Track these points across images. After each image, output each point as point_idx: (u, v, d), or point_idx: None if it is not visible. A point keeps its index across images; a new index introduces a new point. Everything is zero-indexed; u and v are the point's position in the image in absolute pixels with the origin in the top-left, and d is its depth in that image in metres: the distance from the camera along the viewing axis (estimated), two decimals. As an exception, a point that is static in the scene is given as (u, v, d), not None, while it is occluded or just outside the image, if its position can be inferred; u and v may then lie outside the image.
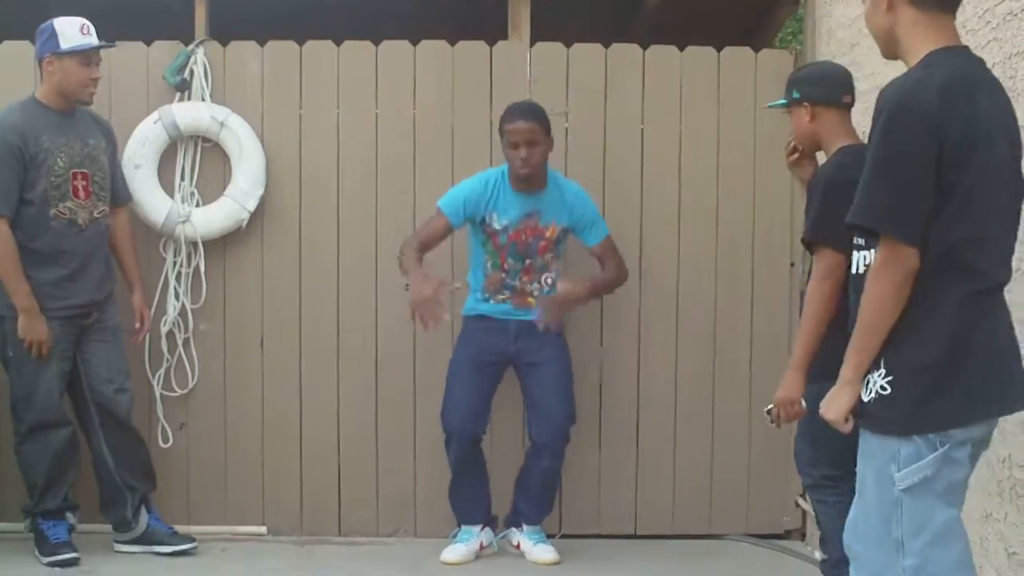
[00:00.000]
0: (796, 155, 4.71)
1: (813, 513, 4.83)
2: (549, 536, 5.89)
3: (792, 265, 6.07)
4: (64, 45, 5.42)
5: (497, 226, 5.61)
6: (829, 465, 4.19)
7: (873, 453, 3.02)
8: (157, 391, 6.06)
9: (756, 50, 6.19)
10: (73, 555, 5.53)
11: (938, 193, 2.92)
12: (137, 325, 5.84)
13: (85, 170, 5.53)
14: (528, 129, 5.48)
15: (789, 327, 6.06)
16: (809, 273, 4.35)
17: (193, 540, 5.78)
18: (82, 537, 5.69)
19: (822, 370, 3.65)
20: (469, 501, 5.80)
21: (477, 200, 5.61)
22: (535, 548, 5.74)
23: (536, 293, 5.66)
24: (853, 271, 3.66)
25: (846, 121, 4.37)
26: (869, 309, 2.99)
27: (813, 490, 4.31)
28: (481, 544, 5.78)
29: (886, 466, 2.98)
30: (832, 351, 3.36)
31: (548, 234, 5.64)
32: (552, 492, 5.84)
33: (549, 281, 5.68)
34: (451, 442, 5.67)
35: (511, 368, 5.78)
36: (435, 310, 5.29)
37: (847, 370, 3.07)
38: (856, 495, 3.14)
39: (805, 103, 4.36)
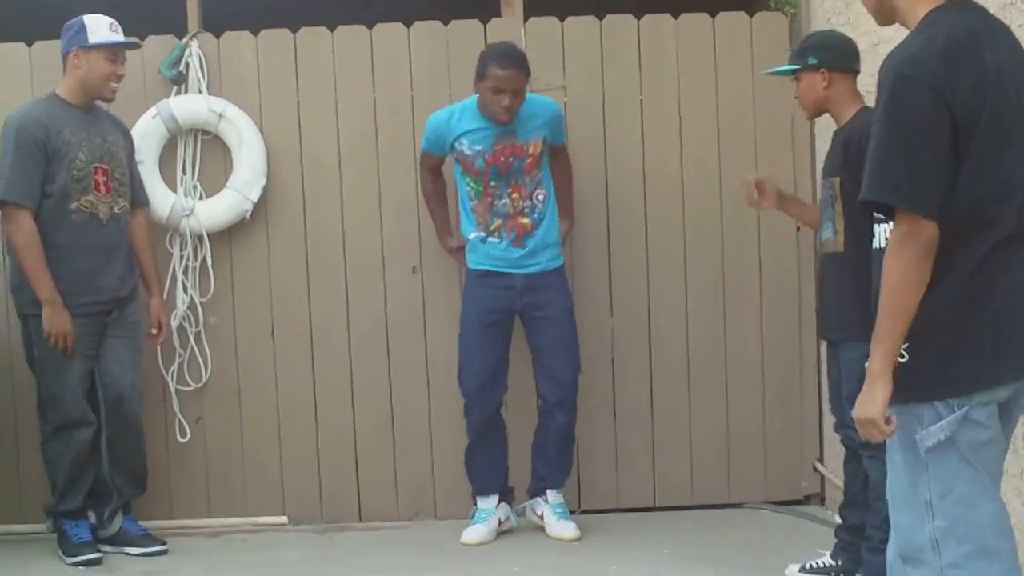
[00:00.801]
0: (761, 201, 4.90)
1: (844, 476, 4.87)
2: (569, 512, 5.88)
3: (798, 230, 6.02)
4: (92, 40, 5.47)
5: (468, 152, 5.59)
6: None
7: (900, 417, 2.99)
8: (172, 386, 6.08)
9: (751, 14, 6.15)
10: (97, 555, 5.56)
11: (957, 156, 2.86)
12: (154, 330, 5.85)
13: (105, 165, 5.55)
14: (516, 78, 5.48)
15: (799, 290, 6.10)
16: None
17: (164, 543, 5.75)
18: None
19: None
20: (486, 468, 5.78)
21: (445, 129, 5.63)
22: (557, 523, 5.73)
23: (529, 212, 5.64)
24: (875, 245, 3.59)
25: (856, 87, 4.58)
26: (890, 290, 2.89)
27: (866, 448, 4.27)
28: (499, 520, 5.78)
29: (911, 429, 2.94)
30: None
31: (530, 150, 5.61)
32: (570, 450, 5.81)
33: (541, 198, 5.66)
34: (472, 408, 5.67)
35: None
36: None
37: (875, 362, 2.93)
38: (888, 459, 3.11)
39: (823, 69, 4.52)
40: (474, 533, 5.70)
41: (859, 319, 4.15)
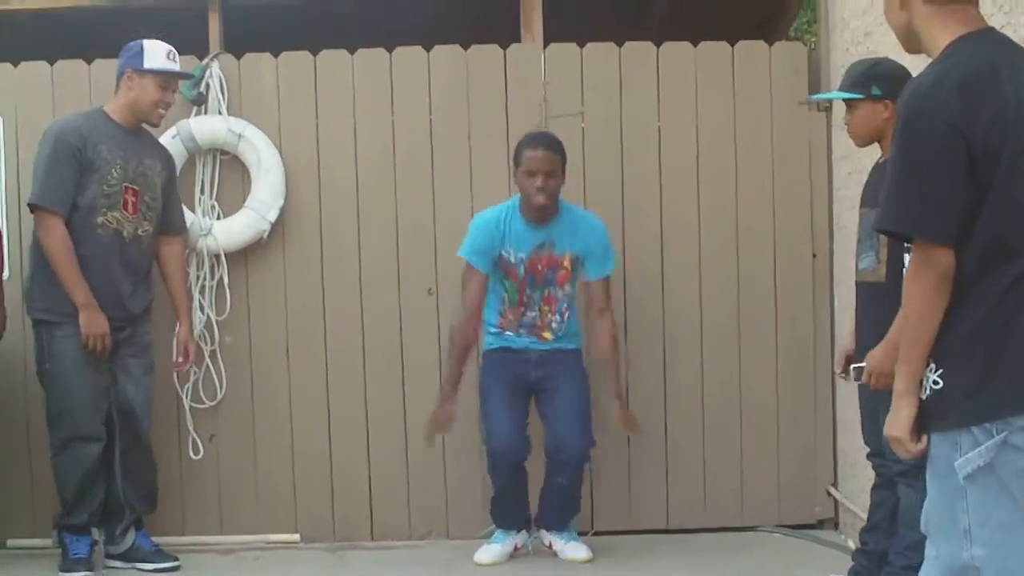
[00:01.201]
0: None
1: (870, 502, 4.85)
2: (581, 534, 5.88)
3: (814, 256, 6.08)
4: (148, 64, 5.52)
5: (513, 259, 5.61)
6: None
7: (938, 444, 2.99)
8: (186, 404, 6.10)
9: (770, 43, 6.19)
10: (88, 573, 5.55)
11: (978, 187, 2.85)
12: (180, 359, 5.88)
13: (137, 187, 5.58)
14: (548, 159, 5.49)
15: (813, 319, 6.11)
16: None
17: (176, 559, 5.74)
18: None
19: None
20: (510, 513, 5.79)
21: (491, 238, 5.60)
22: (567, 546, 5.73)
23: (554, 326, 5.67)
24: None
25: None
26: (910, 316, 2.94)
27: (904, 476, 4.30)
28: (516, 546, 5.78)
29: (949, 456, 2.91)
30: None
31: (565, 263, 5.62)
32: (574, 503, 5.79)
33: (567, 316, 5.68)
34: (498, 467, 5.63)
35: None
36: (445, 427, 5.66)
37: (899, 382, 2.98)
38: (928, 483, 3.07)
39: (887, 99, 4.44)
40: (488, 553, 5.70)
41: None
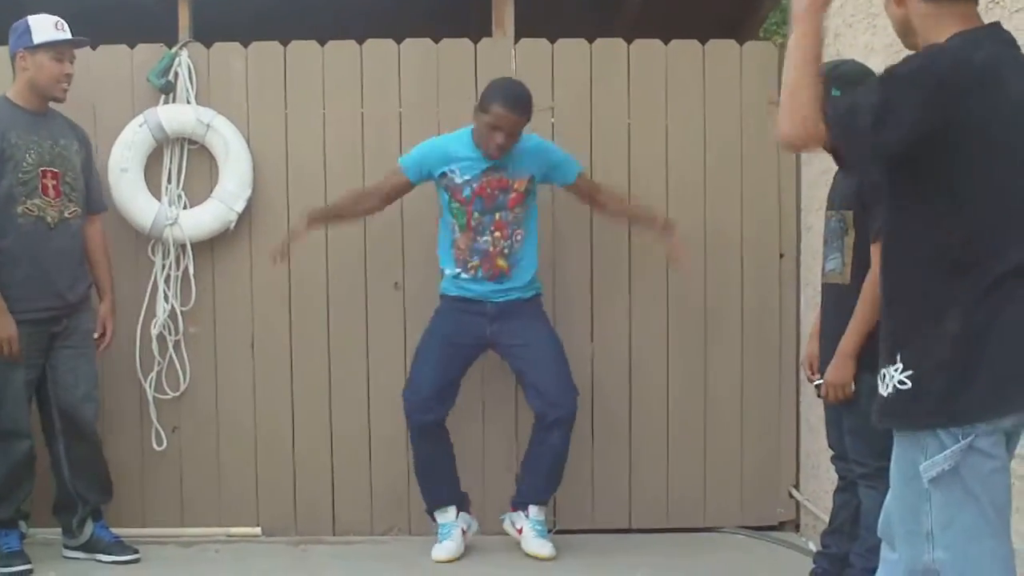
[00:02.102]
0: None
1: (832, 505, 4.87)
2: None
3: (782, 256, 6.10)
4: (37, 39, 5.39)
5: (459, 180, 5.58)
6: (881, 456, 4.21)
7: (903, 446, 2.98)
8: (149, 394, 6.05)
9: (741, 42, 6.19)
10: (26, 567, 5.48)
11: (954, 175, 2.85)
12: (97, 335, 5.77)
13: (55, 169, 5.47)
14: (515, 122, 5.47)
15: (779, 319, 6.12)
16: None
17: (136, 551, 5.71)
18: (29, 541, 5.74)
19: (875, 359, 3.58)
20: (437, 481, 5.73)
21: (439, 154, 5.60)
22: (535, 540, 5.70)
23: (507, 252, 5.62)
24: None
25: None
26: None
27: (865, 478, 4.35)
28: (463, 531, 5.74)
29: (915, 458, 2.93)
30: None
31: (517, 186, 5.61)
32: (561, 468, 5.75)
33: (519, 238, 5.64)
34: (411, 422, 5.65)
35: (492, 353, 5.79)
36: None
37: (846, 342, 3.31)
38: (891, 486, 3.09)
39: None
40: (444, 550, 5.66)
41: (863, 351, 4.22)
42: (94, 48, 5.97)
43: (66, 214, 5.52)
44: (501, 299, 5.64)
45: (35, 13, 5.48)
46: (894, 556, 3.06)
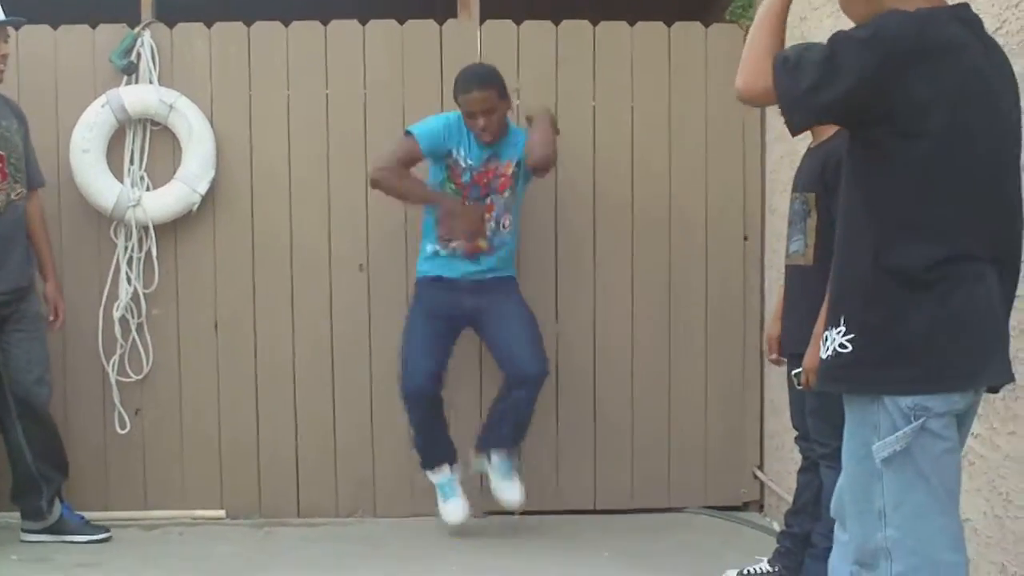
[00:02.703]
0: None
1: (796, 485, 4.89)
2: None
3: (746, 239, 6.12)
4: None
5: (463, 164, 5.58)
6: (842, 437, 4.24)
7: (854, 426, 2.99)
8: (112, 377, 6.02)
9: (706, 25, 6.20)
10: None
11: (907, 151, 2.83)
12: (52, 317, 5.74)
13: (0, 151, 5.43)
14: (483, 98, 5.46)
15: (743, 301, 6.15)
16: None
17: (107, 531, 5.72)
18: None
19: None
20: (436, 446, 5.73)
21: (449, 134, 5.56)
22: (501, 483, 5.70)
23: (489, 233, 5.62)
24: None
25: None
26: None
27: (826, 459, 4.36)
28: (459, 483, 5.75)
29: (866, 439, 2.94)
30: None
31: (506, 170, 5.61)
32: (526, 422, 5.71)
33: (506, 225, 5.65)
34: (412, 405, 5.63)
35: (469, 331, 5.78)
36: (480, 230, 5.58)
37: (819, 324, 3.11)
38: (844, 466, 3.10)
39: None
40: (456, 512, 5.68)
41: None
42: (56, 26, 5.94)
43: (13, 196, 5.46)
44: (476, 278, 5.64)
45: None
46: (846, 537, 3.08)
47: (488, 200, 5.60)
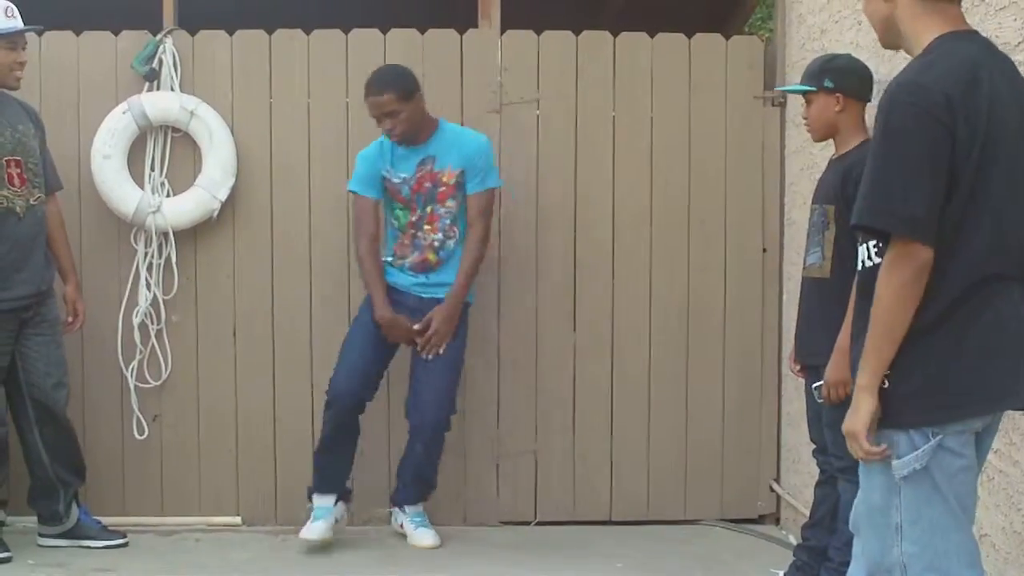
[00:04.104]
0: None
1: (813, 498, 4.87)
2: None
3: (765, 251, 6.11)
4: None
5: (396, 180, 5.62)
6: None
7: (874, 439, 2.99)
8: (131, 383, 6.04)
9: (726, 36, 6.21)
10: (5, 554, 5.47)
11: (951, 183, 2.85)
12: (70, 319, 5.76)
13: (18, 157, 5.41)
14: (381, 103, 5.50)
15: (762, 313, 6.14)
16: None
17: (124, 536, 5.75)
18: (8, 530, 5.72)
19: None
20: (333, 468, 5.74)
21: (373, 164, 5.63)
22: (416, 532, 5.76)
23: (437, 245, 5.65)
24: (860, 266, 3.35)
25: (864, 117, 4.53)
26: (882, 310, 2.88)
27: (844, 472, 4.34)
28: (336, 519, 5.74)
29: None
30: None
31: (445, 179, 5.61)
32: (428, 476, 5.80)
33: (452, 235, 5.66)
34: (332, 406, 5.64)
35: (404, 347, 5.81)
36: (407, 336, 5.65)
37: (862, 376, 2.92)
38: (861, 477, 3.10)
39: (838, 93, 4.49)
40: (315, 531, 5.63)
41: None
42: (79, 32, 5.98)
43: (32, 201, 5.47)
44: (425, 295, 5.68)
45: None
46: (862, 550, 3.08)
47: (428, 210, 5.63)
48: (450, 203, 5.63)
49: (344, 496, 5.80)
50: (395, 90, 5.50)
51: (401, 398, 5.82)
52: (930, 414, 2.90)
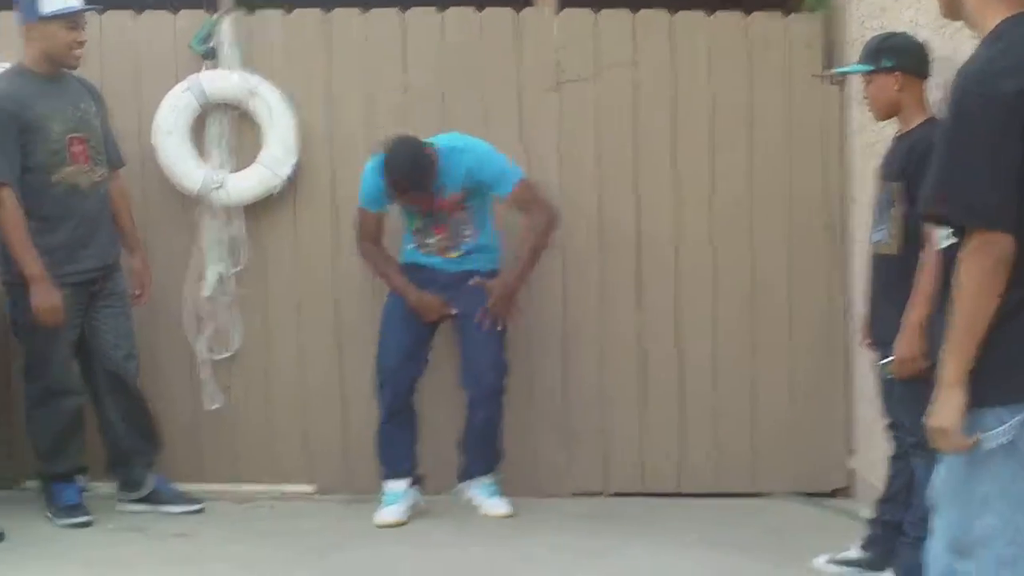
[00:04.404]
0: None
1: (888, 473, 4.90)
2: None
3: (829, 228, 6.14)
4: (45, 9, 5.33)
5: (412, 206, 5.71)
6: None
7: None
8: (202, 355, 6.11)
9: (785, 14, 6.23)
10: (86, 518, 5.58)
11: None
12: (137, 292, 5.84)
13: (81, 134, 5.48)
14: (407, 196, 5.57)
15: (827, 288, 6.16)
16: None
17: (200, 502, 5.85)
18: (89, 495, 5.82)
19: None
20: (396, 450, 5.78)
21: (378, 182, 5.61)
22: (488, 501, 5.82)
23: (452, 248, 5.73)
24: (938, 246, 3.41)
25: (925, 94, 4.54)
26: (965, 301, 2.83)
27: (918, 448, 4.32)
28: (411, 504, 5.78)
29: (970, 429, 2.90)
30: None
31: (449, 201, 5.66)
32: (493, 443, 5.85)
33: (468, 234, 5.74)
34: (385, 385, 5.71)
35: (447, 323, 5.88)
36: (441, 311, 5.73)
37: (948, 371, 2.85)
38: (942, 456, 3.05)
39: (897, 71, 4.50)
40: (389, 514, 5.69)
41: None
42: (138, 12, 6.03)
43: (95, 177, 5.55)
44: (455, 269, 5.75)
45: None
46: (943, 524, 3.09)
47: (439, 223, 5.72)
48: (459, 214, 5.70)
49: (416, 480, 5.83)
50: (423, 189, 5.51)
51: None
52: (1019, 391, 2.87)
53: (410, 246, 5.81)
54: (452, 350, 5.92)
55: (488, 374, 5.71)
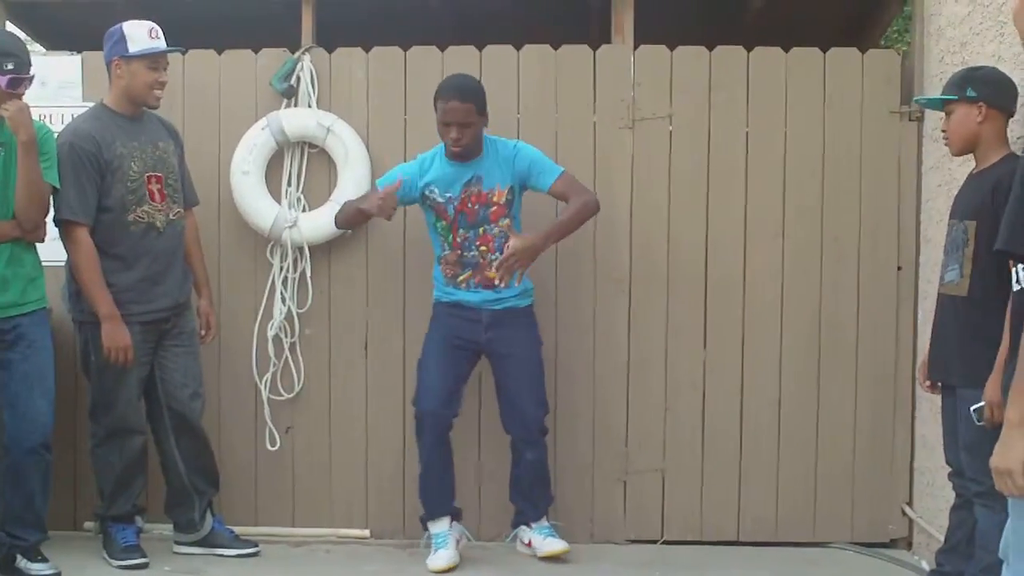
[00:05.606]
0: None
1: (948, 523, 4.78)
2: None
3: (900, 269, 5.99)
4: (132, 49, 5.43)
5: (440, 199, 5.62)
6: None
7: None
8: (264, 395, 6.14)
9: (862, 50, 6.09)
10: (143, 560, 5.63)
11: None
12: (203, 332, 5.89)
13: (159, 173, 5.56)
14: (462, 110, 5.50)
15: (896, 331, 6.01)
16: None
17: (256, 545, 5.87)
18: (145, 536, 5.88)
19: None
20: (441, 490, 5.75)
21: (412, 176, 5.62)
22: (545, 540, 5.73)
23: (495, 264, 5.62)
24: (1015, 287, 3.26)
25: (1006, 131, 4.45)
26: None
27: (981, 496, 4.25)
28: (456, 540, 5.75)
29: None
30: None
31: (495, 198, 5.61)
32: (545, 484, 5.80)
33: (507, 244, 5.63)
34: (424, 427, 5.66)
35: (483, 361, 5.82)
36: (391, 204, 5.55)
37: (1014, 412, 2.79)
38: (1011, 505, 2.98)
39: (981, 102, 4.41)
40: (441, 559, 5.64)
41: (980, 364, 4.10)
42: (219, 53, 6.14)
43: (172, 216, 5.62)
44: (496, 307, 5.67)
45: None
46: None
47: (481, 231, 5.62)
48: (503, 221, 5.62)
49: (456, 515, 5.82)
50: (476, 102, 5.53)
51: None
52: None
53: (446, 287, 5.74)
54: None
55: (534, 413, 5.67)
